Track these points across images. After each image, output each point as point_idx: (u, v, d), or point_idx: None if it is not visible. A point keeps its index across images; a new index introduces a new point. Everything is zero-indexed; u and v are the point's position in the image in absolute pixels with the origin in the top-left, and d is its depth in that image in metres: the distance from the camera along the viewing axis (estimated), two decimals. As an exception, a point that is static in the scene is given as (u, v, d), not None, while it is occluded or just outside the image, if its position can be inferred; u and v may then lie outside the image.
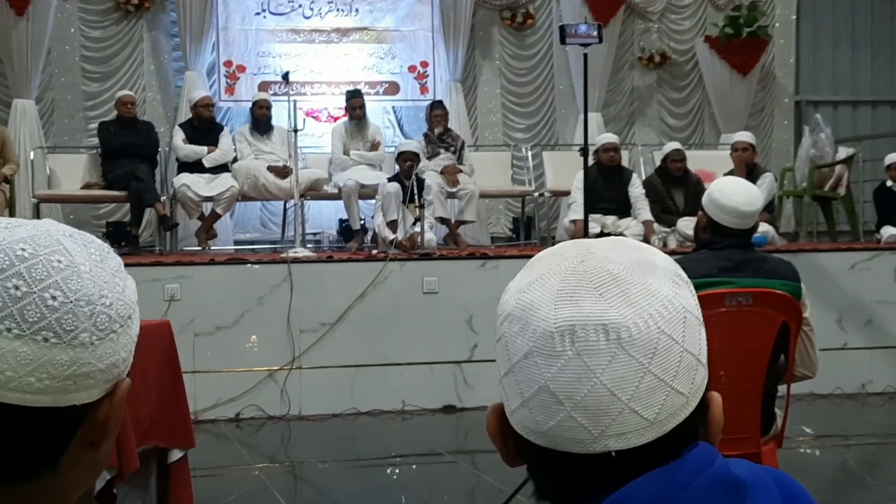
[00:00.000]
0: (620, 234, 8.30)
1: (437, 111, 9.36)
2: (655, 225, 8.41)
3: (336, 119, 10.22)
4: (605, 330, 0.91)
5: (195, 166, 8.75)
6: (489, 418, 1.01)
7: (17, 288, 0.88)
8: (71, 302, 0.91)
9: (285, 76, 8.29)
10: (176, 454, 3.90)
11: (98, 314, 0.93)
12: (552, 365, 0.91)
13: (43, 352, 0.89)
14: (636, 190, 8.56)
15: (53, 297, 0.90)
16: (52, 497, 0.93)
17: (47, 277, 0.90)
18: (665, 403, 0.92)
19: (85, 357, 0.92)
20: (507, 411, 0.98)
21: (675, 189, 8.71)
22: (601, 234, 8.20)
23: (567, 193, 8.85)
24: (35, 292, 0.89)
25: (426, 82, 10.84)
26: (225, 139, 9.01)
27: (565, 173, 9.12)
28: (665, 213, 8.57)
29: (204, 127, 8.97)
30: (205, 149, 8.81)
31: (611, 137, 8.77)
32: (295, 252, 7.51)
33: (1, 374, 0.87)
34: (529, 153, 10.31)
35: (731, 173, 7.98)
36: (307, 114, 10.19)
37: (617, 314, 0.92)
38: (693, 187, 8.61)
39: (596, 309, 0.92)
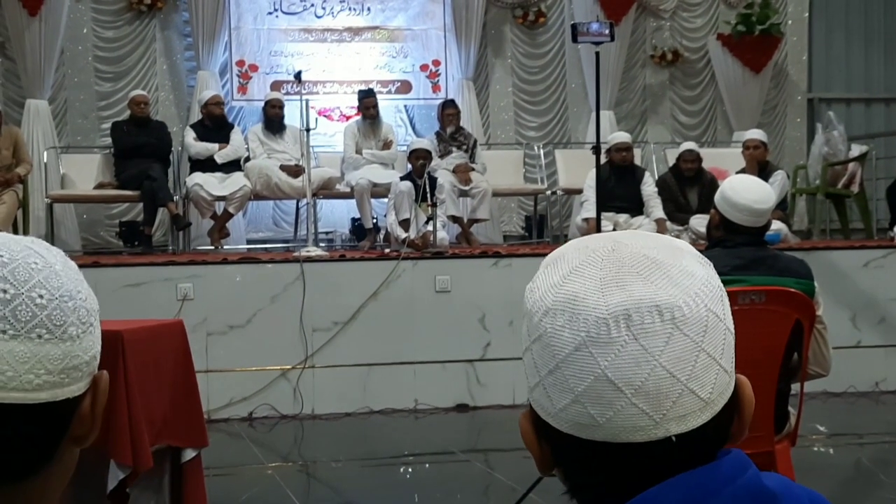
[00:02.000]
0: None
1: (449, 110, 9.35)
2: (668, 223, 8.39)
3: (348, 118, 10.22)
4: (658, 311, 0.91)
5: (208, 166, 8.76)
6: (523, 426, 0.99)
7: (5, 291, 0.92)
8: (56, 298, 0.95)
9: (297, 75, 8.29)
10: (189, 453, 3.91)
11: (79, 308, 0.97)
12: (608, 352, 0.90)
13: (38, 349, 0.92)
14: (649, 188, 8.54)
15: (40, 296, 0.93)
16: (42, 494, 0.96)
17: (30, 278, 0.93)
18: (717, 382, 0.93)
19: (74, 350, 0.96)
20: (546, 414, 0.95)
21: (689, 188, 8.68)
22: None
23: (579, 191, 8.83)
24: (23, 293, 0.93)
25: (438, 81, 10.83)
26: (236, 136, 9.04)
27: (577, 171, 9.11)
28: (678, 211, 8.55)
29: (215, 125, 8.99)
30: (216, 146, 8.83)
31: (623, 137, 8.75)
32: (307, 251, 7.51)
33: (2, 375, 0.91)
34: (542, 151, 10.30)
35: (743, 171, 7.95)
36: (319, 113, 10.20)
37: (667, 295, 0.91)
38: (707, 186, 8.58)
39: (646, 291, 0.91)
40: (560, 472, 0.98)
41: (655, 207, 8.44)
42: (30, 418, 0.92)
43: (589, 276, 0.93)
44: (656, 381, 0.90)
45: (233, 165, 8.86)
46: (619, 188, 8.43)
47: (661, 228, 8.29)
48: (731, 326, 0.97)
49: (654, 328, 0.90)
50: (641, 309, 0.90)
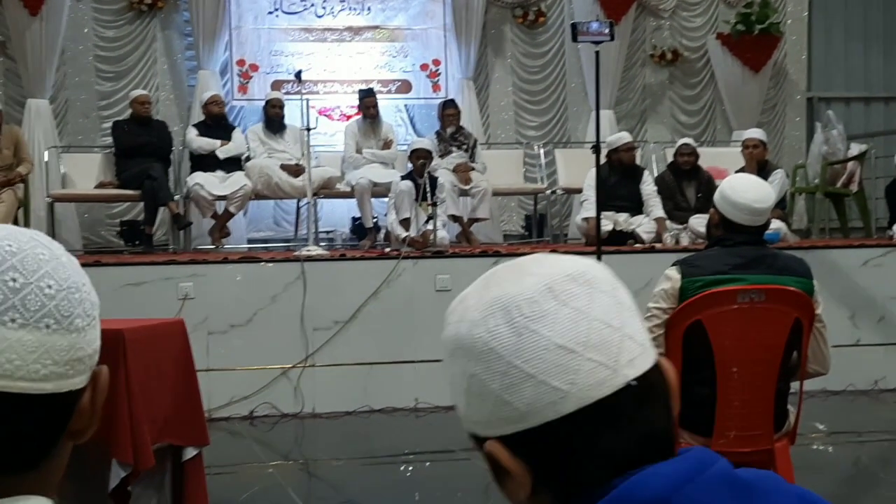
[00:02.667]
0: (633, 232, 8.29)
1: (449, 110, 9.35)
2: (668, 222, 8.39)
3: (349, 117, 10.22)
4: (572, 278, 0.99)
5: (209, 165, 8.76)
6: (495, 453, 1.00)
7: (14, 280, 0.92)
8: (64, 289, 0.95)
9: (298, 75, 8.29)
10: (190, 452, 3.91)
11: (84, 300, 0.97)
12: (547, 323, 0.97)
13: (45, 339, 0.93)
14: (648, 187, 8.54)
15: (49, 286, 0.94)
16: (41, 487, 0.96)
17: (39, 269, 0.94)
18: (643, 331, 1.02)
19: (79, 342, 0.96)
20: (515, 422, 0.98)
21: (687, 185, 8.69)
22: (613, 232, 8.18)
23: (579, 191, 8.84)
24: (32, 283, 0.93)
25: (438, 80, 10.83)
26: (237, 135, 9.06)
27: (577, 170, 9.11)
28: (677, 209, 8.55)
29: (216, 125, 9.00)
30: (217, 141, 8.85)
31: (627, 137, 8.77)
32: (308, 250, 7.51)
33: (9, 364, 0.91)
34: (542, 151, 10.30)
35: (742, 170, 7.95)
36: (320, 112, 10.20)
37: (572, 265, 1.01)
38: (704, 184, 8.59)
39: (555, 268, 1.01)
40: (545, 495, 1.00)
41: (655, 206, 8.44)
42: (32, 410, 0.92)
43: (500, 280, 1.02)
44: (598, 333, 0.97)
45: (233, 165, 8.86)
46: (619, 187, 8.43)
47: (660, 227, 8.29)
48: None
49: (575, 291, 0.98)
50: (557, 280, 0.99)
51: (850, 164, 9.78)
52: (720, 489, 0.95)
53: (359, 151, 9.07)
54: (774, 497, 0.98)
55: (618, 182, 8.45)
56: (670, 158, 9.14)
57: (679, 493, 0.93)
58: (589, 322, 0.97)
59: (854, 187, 9.77)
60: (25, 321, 0.92)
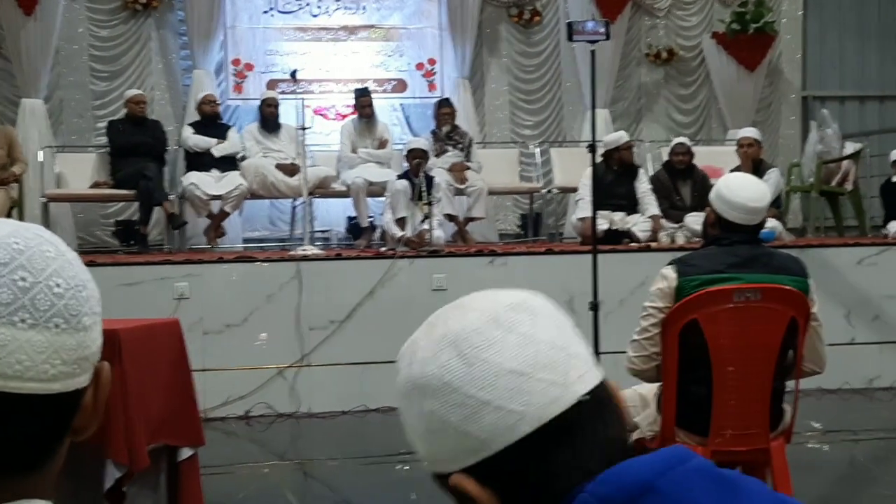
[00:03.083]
0: (628, 231, 8.29)
1: (444, 109, 9.36)
2: (664, 221, 8.39)
3: (344, 117, 10.22)
4: (513, 307, 1.04)
5: (204, 165, 8.75)
6: (460, 484, 1.02)
7: (23, 279, 0.91)
8: (72, 288, 0.94)
9: (293, 74, 8.28)
10: (185, 452, 3.91)
11: (90, 298, 0.96)
12: (496, 350, 1.01)
13: (55, 339, 0.92)
14: (643, 186, 8.56)
15: (57, 285, 0.93)
16: (42, 488, 0.95)
17: (47, 267, 0.93)
18: (587, 351, 1.07)
19: (86, 340, 0.95)
20: (476, 451, 1.01)
21: (682, 184, 8.69)
22: (609, 231, 8.19)
23: (575, 190, 8.83)
24: (41, 282, 0.92)
25: (434, 80, 10.83)
26: (233, 135, 9.06)
27: (573, 170, 9.11)
28: (672, 208, 8.56)
29: (211, 124, 9.00)
30: (213, 140, 8.85)
31: (626, 136, 8.80)
32: (304, 250, 7.51)
33: (19, 365, 0.90)
34: (537, 150, 10.30)
35: (737, 169, 7.95)
36: (315, 112, 10.20)
37: (513, 297, 1.06)
38: (699, 183, 8.60)
39: (496, 300, 1.06)
40: None
41: (650, 205, 8.44)
42: (40, 410, 0.92)
43: (445, 319, 1.06)
44: (545, 355, 1.01)
45: (229, 164, 8.86)
46: (616, 186, 8.45)
47: (656, 225, 8.30)
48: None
49: (518, 319, 1.03)
50: (500, 311, 1.04)
51: (844, 163, 9.79)
52: (703, 479, 0.97)
53: (354, 151, 9.06)
54: (758, 496, 0.99)
55: (614, 181, 8.46)
56: (665, 157, 9.14)
57: (663, 477, 0.95)
58: (535, 345, 1.01)
59: (849, 186, 9.78)
60: (35, 321, 0.90)
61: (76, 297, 0.94)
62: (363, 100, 9.21)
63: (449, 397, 1.01)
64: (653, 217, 8.37)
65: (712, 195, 3.60)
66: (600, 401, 1.03)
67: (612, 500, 0.94)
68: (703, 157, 9.22)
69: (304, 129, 7.95)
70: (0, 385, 0.89)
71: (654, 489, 0.94)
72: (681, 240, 8.20)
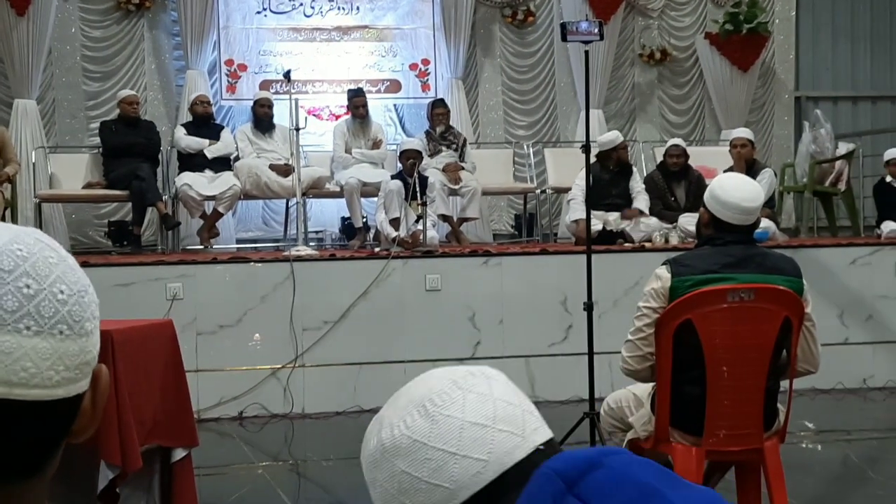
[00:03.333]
0: (622, 231, 8.30)
1: (438, 110, 9.35)
2: (657, 221, 8.39)
3: (338, 117, 10.20)
4: (470, 373, 1.16)
5: (197, 165, 8.74)
6: None
7: (28, 287, 0.90)
8: (75, 294, 0.94)
9: (287, 75, 8.27)
10: (179, 453, 3.90)
11: (90, 303, 0.96)
12: (458, 407, 1.12)
13: (59, 345, 0.91)
14: (637, 185, 8.58)
15: (61, 291, 0.92)
16: (42, 490, 0.95)
17: (50, 273, 0.92)
18: (537, 411, 1.18)
19: (88, 345, 0.95)
20: (445, 501, 1.10)
21: (676, 185, 8.70)
22: (603, 231, 8.19)
23: (569, 190, 8.83)
24: (45, 289, 0.91)
25: (427, 80, 10.82)
26: (226, 135, 9.06)
27: (567, 170, 9.12)
28: (666, 209, 8.56)
29: (204, 125, 8.99)
30: (206, 141, 8.84)
31: (620, 136, 8.81)
32: (297, 250, 7.50)
33: (24, 372, 0.89)
34: (531, 150, 10.30)
35: (731, 169, 7.96)
36: (309, 112, 10.18)
37: (466, 368, 1.18)
38: (694, 183, 8.61)
39: (452, 371, 1.17)
40: None
41: (637, 198, 8.49)
42: (44, 416, 0.92)
43: (409, 388, 1.17)
44: (503, 410, 1.13)
45: (222, 165, 8.84)
46: (611, 186, 8.46)
47: (631, 214, 8.31)
48: None
49: (476, 381, 1.15)
50: (459, 376, 1.16)
51: (837, 163, 9.80)
52: (644, 465, 1.08)
53: (348, 151, 9.06)
54: (695, 490, 1.09)
55: (609, 181, 8.48)
56: (659, 158, 9.15)
57: (609, 457, 1.07)
58: (493, 402, 1.12)
59: (842, 186, 9.79)
60: (40, 328, 0.90)
61: (79, 302, 0.94)
62: (357, 100, 9.20)
63: (418, 454, 1.11)
64: (635, 208, 8.39)
65: (706, 195, 3.61)
66: (556, 450, 1.13)
67: (566, 473, 1.05)
68: (697, 157, 9.22)
69: (297, 129, 7.94)
70: (5, 392, 0.89)
71: (601, 465, 1.05)
72: (674, 240, 8.21)
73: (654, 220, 8.40)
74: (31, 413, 0.91)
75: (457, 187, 8.86)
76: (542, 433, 1.13)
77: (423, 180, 8.03)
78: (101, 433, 3.30)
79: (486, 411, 1.11)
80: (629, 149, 9.26)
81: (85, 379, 0.95)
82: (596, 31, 5.33)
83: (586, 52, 5.51)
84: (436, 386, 1.13)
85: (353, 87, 9.69)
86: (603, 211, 8.31)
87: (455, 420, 1.10)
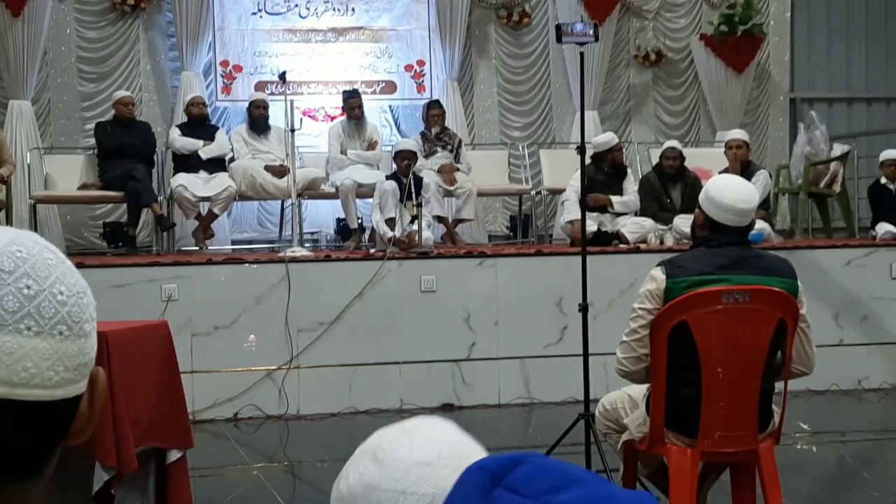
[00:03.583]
0: (618, 232, 8.30)
1: (433, 111, 9.36)
2: (653, 223, 8.38)
3: (333, 118, 10.20)
4: (421, 421, 1.22)
5: (192, 167, 8.74)
6: None
7: (28, 287, 0.91)
8: (74, 295, 0.95)
9: (282, 76, 8.27)
10: (174, 454, 3.90)
11: (89, 304, 0.97)
12: (404, 450, 1.16)
13: (59, 345, 0.92)
14: (630, 186, 8.58)
15: (60, 293, 0.93)
16: (39, 491, 0.96)
17: (50, 275, 0.93)
18: (478, 448, 1.23)
19: (86, 347, 0.96)
20: None
21: (672, 187, 8.70)
22: (598, 232, 8.20)
23: (564, 191, 8.82)
24: (45, 289, 0.92)
25: (423, 81, 10.83)
26: (221, 136, 9.05)
27: (562, 171, 9.12)
28: (662, 210, 8.57)
29: (199, 126, 8.99)
30: (200, 142, 8.84)
31: (616, 138, 8.79)
32: (293, 251, 7.50)
33: (25, 372, 0.90)
34: (526, 151, 10.31)
35: (726, 171, 7.97)
36: (304, 113, 10.17)
37: (419, 418, 1.23)
38: (690, 185, 8.61)
39: (406, 421, 1.22)
40: None
41: (623, 196, 8.51)
42: (44, 416, 0.92)
43: (363, 444, 1.22)
44: (447, 448, 1.17)
45: (217, 166, 8.84)
46: (606, 188, 8.46)
47: (604, 201, 8.30)
48: None
49: (423, 428, 1.20)
50: (410, 424, 1.21)
51: (832, 165, 9.82)
52: (564, 464, 1.13)
53: (343, 152, 9.05)
54: (607, 484, 1.14)
55: (605, 183, 8.48)
56: (655, 159, 9.15)
57: (532, 456, 1.12)
58: (438, 444, 1.16)
59: (837, 188, 9.81)
60: (41, 329, 0.91)
61: (78, 304, 0.95)
62: (352, 101, 9.20)
63: (370, 497, 1.15)
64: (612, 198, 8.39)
65: (701, 197, 3.62)
66: None
67: (492, 468, 1.10)
68: (692, 158, 9.23)
69: (292, 130, 7.93)
70: (6, 392, 0.89)
71: (525, 461, 1.11)
72: (669, 241, 8.22)
73: (649, 222, 8.39)
74: (32, 414, 0.91)
75: (452, 188, 8.86)
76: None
77: (419, 181, 8.03)
78: (97, 434, 3.30)
79: (431, 451, 1.15)
80: (624, 150, 9.28)
81: (83, 380, 0.96)
82: (591, 32, 5.33)
83: (581, 54, 5.52)
84: (385, 434, 1.19)
85: (348, 88, 9.69)
86: (598, 212, 8.31)
87: (402, 462, 1.15)
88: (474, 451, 1.18)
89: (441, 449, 1.16)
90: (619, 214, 8.49)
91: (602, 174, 8.50)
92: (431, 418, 1.23)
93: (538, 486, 1.07)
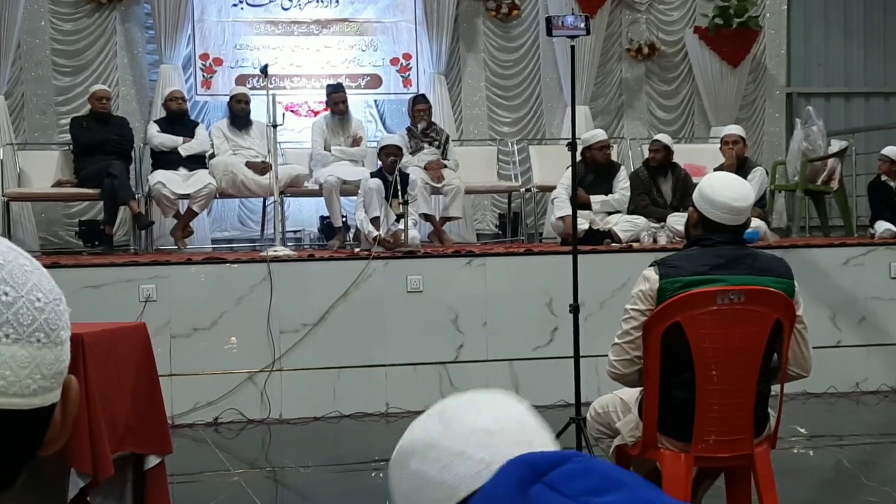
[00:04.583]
0: (609, 230, 8.31)
1: (420, 106, 9.36)
2: (645, 220, 8.39)
3: (316, 113, 10.20)
4: (496, 395, 1.29)
5: (171, 163, 8.72)
6: None
7: (6, 294, 0.91)
8: (51, 302, 0.95)
9: (264, 69, 8.26)
10: (153, 460, 3.89)
11: (64, 311, 0.97)
12: (472, 415, 1.23)
13: (36, 353, 0.92)
14: (621, 184, 8.56)
15: (38, 299, 0.93)
16: (12, 501, 0.95)
17: (27, 281, 0.93)
18: (545, 434, 1.27)
19: (62, 354, 0.96)
20: (448, 497, 1.19)
21: (662, 180, 8.72)
22: (590, 231, 8.21)
23: (554, 188, 8.83)
24: (23, 296, 0.92)
25: (409, 75, 10.82)
26: (201, 131, 9.04)
27: (552, 168, 9.13)
28: (654, 205, 8.59)
29: (178, 122, 8.97)
30: (179, 138, 8.82)
31: (602, 134, 8.77)
32: (275, 251, 7.49)
33: (3, 380, 0.90)
34: (515, 147, 10.32)
35: (721, 167, 7.99)
36: (286, 108, 10.16)
37: (494, 393, 1.29)
38: (681, 181, 8.63)
39: (480, 392, 1.30)
40: None
41: (618, 194, 8.49)
42: (20, 425, 0.92)
43: (434, 406, 1.28)
44: (515, 422, 1.23)
45: (197, 163, 8.82)
46: (595, 186, 8.47)
47: (581, 198, 8.12)
48: None
49: (497, 400, 1.27)
50: (483, 394, 1.28)
51: (830, 161, 9.85)
52: (608, 465, 1.16)
53: (327, 148, 9.05)
54: (654, 490, 1.15)
55: (594, 181, 8.49)
56: (647, 155, 9.17)
57: (577, 456, 1.14)
58: (507, 418, 1.23)
59: (834, 185, 9.84)
60: (19, 336, 0.91)
61: (55, 310, 0.95)
62: (336, 96, 9.20)
63: (429, 454, 1.21)
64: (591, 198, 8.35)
65: (695, 194, 3.62)
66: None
67: (536, 463, 1.12)
68: (686, 154, 9.25)
69: (275, 126, 7.92)
70: None
71: (569, 460, 1.13)
72: (663, 240, 8.24)
73: (641, 220, 8.41)
74: (9, 423, 0.91)
75: (439, 186, 8.87)
76: (550, 449, 1.20)
77: (405, 178, 8.03)
78: (72, 440, 3.29)
79: (496, 422, 1.21)
80: (616, 146, 9.27)
81: (59, 388, 0.96)
82: (582, 25, 5.34)
83: (572, 47, 5.53)
84: (458, 398, 1.27)
85: (332, 82, 9.69)
86: (589, 210, 8.32)
87: (466, 425, 1.21)
88: (539, 436, 1.23)
89: (507, 423, 1.22)
90: (609, 213, 8.50)
91: (592, 172, 8.51)
92: (507, 394, 1.29)
93: (579, 486, 1.10)
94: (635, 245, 8.10)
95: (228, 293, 7.08)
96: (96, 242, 8.83)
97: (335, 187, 8.63)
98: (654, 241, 8.25)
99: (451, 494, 1.18)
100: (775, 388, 3.73)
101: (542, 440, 1.23)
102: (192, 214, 8.75)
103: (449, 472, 1.19)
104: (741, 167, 8.21)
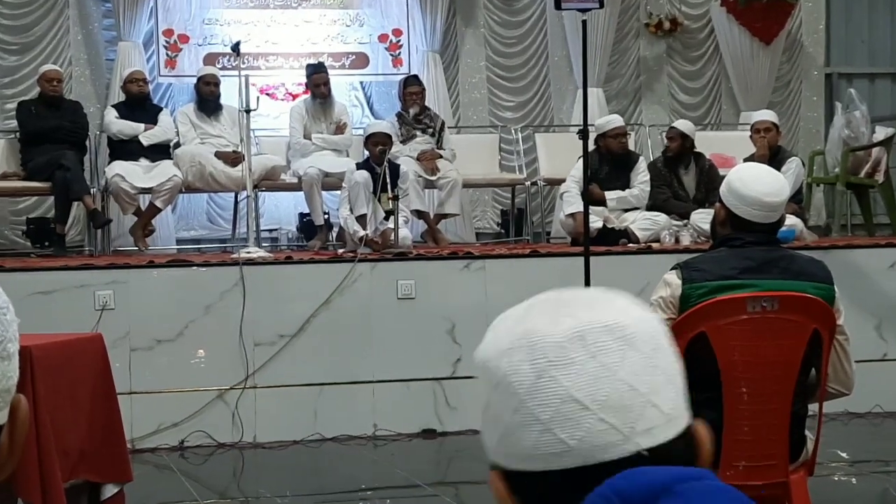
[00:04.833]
0: (625, 229, 8.32)
1: (411, 88, 9.36)
2: (667, 218, 8.40)
3: (295, 97, 10.20)
4: (609, 330, 1.09)
5: (131, 153, 8.72)
6: (495, 485, 1.12)
7: None
8: None
9: (235, 47, 8.27)
10: (110, 489, 3.89)
11: (12, 321, 0.97)
12: (569, 373, 1.07)
13: None
14: (640, 176, 8.55)
15: None
16: None
17: None
18: (675, 399, 1.11)
19: (9, 370, 0.96)
20: (517, 460, 1.10)
21: (684, 171, 8.73)
22: (604, 229, 8.21)
23: (564, 181, 8.84)
24: None
25: (399, 54, 10.83)
26: (165, 118, 9.04)
27: (561, 158, 9.14)
28: (676, 198, 8.60)
29: (139, 106, 8.97)
30: (141, 126, 8.81)
31: (618, 120, 8.77)
32: (248, 252, 7.50)
33: None
34: (520, 135, 10.32)
35: (751, 158, 8.00)
36: (261, 91, 10.16)
37: (613, 317, 1.10)
38: (705, 173, 8.63)
39: (594, 316, 1.10)
40: None
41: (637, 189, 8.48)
42: None
43: (539, 313, 1.12)
44: (619, 395, 1.07)
45: (160, 153, 8.83)
46: (611, 179, 8.47)
47: (598, 195, 8.16)
48: (678, 359, 1.15)
49: (608, 346, 1.08)
50: (593, 330, 1.08)
51: (875, 151, 9.86)
52: (724, 496, 1.05)
53: (307, 137, 9.06)
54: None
55: (610, 173, 8.49)
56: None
57: (683, 484, 1.03)
58: (612, 382, 1.07)
59: (879, 177, 9.85)
60: None
61: (1, 321, 0.94)
62: (318, 77, 9.20)
63: (507, 398, 1.10)
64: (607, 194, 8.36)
65: (723, 189, 3.62)
66: (665, 458, 1.07)
67: (629, 497, 1.02)
68: (713, 143, 9.26)
69: (248, 111, 7.93)
70: None
71: (671, 492, 1.02)
72: (686, 240, 8.24)
73: (662, 217, 8.42)
74: None
75: (433, 178, 8.88)
76: (656, 435, 1.07)
77: (395, 170, 8.04)
78: (19, 467, 3.28)
79: (597, 390, 1.06)
80: (634, 133, 9.28)
81: (6, 409, 0.95)
82: (595, -3, 5.36)
83: (584, 22, 5.54)
84: (560, 333, 1.09)
85: (312, 61, 9.69)
86: (603, 206, 8.32)
87: (558, 386, 1.07)
88: (651, 409, 1.08)
89: (611, 392, 1.07)
90: (626, 209, 8.50)
91: (607, 163, 8.51)
92: (630, 326, 1.11)
93: None
94: (655, 245, 8.10)
95: (195, 300, 7.08)
96: (46, 243, 8.82)
97: (316, 180, 8.64)
98: (677, 241, 8.26)
99: (520, 459, 1.10)
100: (813, 408, 3.73)
101: (650, 418, 1.08)
102: (154, 211, 8.75)
103: (523, 433, 1.09)
104: (774, 157, 8.23)
